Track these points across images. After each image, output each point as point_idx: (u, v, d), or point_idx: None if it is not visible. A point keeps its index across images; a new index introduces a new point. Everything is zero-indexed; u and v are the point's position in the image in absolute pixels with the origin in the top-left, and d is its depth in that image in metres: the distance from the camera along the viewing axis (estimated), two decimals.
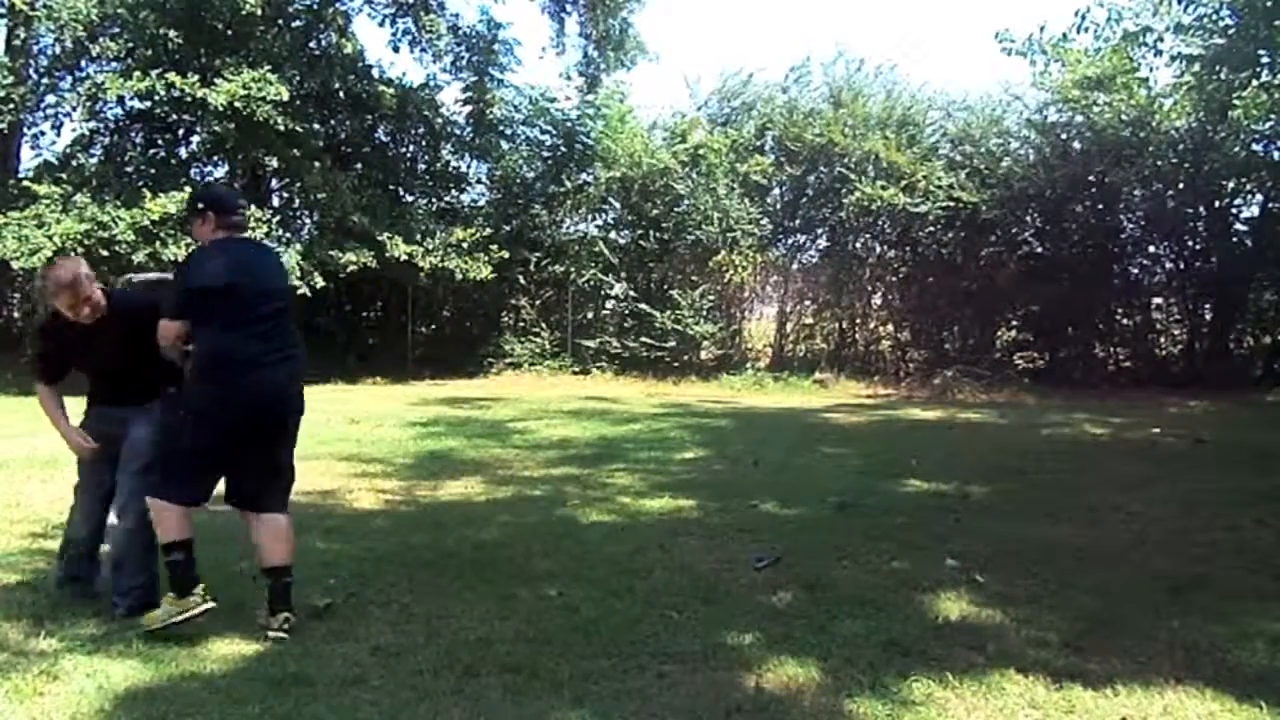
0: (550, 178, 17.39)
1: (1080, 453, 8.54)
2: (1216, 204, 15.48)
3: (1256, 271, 15.31)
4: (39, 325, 4.19)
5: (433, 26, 16.92)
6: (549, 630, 3.67)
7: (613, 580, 4.32)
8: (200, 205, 3.90)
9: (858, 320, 17.69)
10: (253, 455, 3.76)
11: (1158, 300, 16.56)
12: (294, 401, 3.85)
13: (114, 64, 14.81)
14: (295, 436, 3.92)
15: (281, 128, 14.08)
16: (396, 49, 17.99)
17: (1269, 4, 9.42)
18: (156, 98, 13.91)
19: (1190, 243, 16.00)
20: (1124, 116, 14.69)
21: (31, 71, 15.29)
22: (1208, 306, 16.01)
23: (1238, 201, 15.73)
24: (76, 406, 4.07)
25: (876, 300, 17.98)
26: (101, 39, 14.63)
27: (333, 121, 16.83)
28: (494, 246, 15.99)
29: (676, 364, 16.51)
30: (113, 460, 3.90)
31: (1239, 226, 15.82)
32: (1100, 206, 15.64)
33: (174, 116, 15.19)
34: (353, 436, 9.04)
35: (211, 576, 4.30)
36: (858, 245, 17.39)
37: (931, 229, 16.21)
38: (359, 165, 16.83)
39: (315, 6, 16.05)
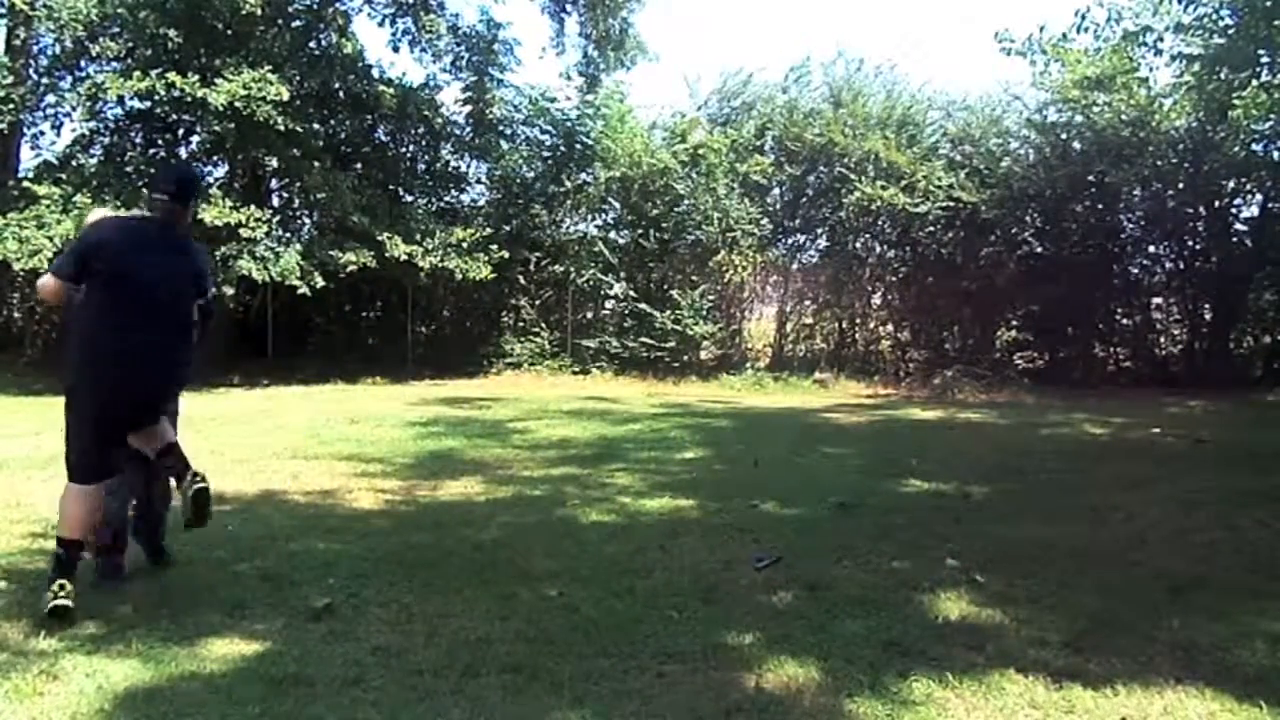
0: (550, 178, 17.40)
1: (1080, 453, 8.53)
2: (1216, 204, 15.49)
3: (1256, 271, 15.32)
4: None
5: (433, 26, 16.91)
6: (549, 630, 3.67)
7: (613, 580, 4.32)
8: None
9: (858, 320, 17.71)
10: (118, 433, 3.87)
11: (1158, 300, 16.58)
12: (154, 395, 3.91)
13: (114, 64, 14.81)
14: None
15: (281, 128, 14.06)
16: (396, 49, 18.02)
17: (1269, 4, 9.40)
18: (156, 98, 13.89)
19: (1190, 243, 16.01)
20: (1124, 116, 14.69)
21: (31, 71, 15.30)
22: (1208, 306, 16.02)
23: (1238, 201, 15.77)
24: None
25: (876, 300, 18.00)
26: (101, 39, 14.64)
27: (333, 121, 16.84)
28: (494, 246, 15.98)
29: (676, 364, 16.51)
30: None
31: (1239, 226, 15.86)
32: (1100, 206, 15.65)
33: (174, 116, 15.17)
34: (353, 436, 9.04)
35: (212, 576, 4.33)
36: (858, 245, 17.42)
37: (931, 229, 16.23)
38: (359, 165, 16.84)
39: (315, 6, 16.03)
